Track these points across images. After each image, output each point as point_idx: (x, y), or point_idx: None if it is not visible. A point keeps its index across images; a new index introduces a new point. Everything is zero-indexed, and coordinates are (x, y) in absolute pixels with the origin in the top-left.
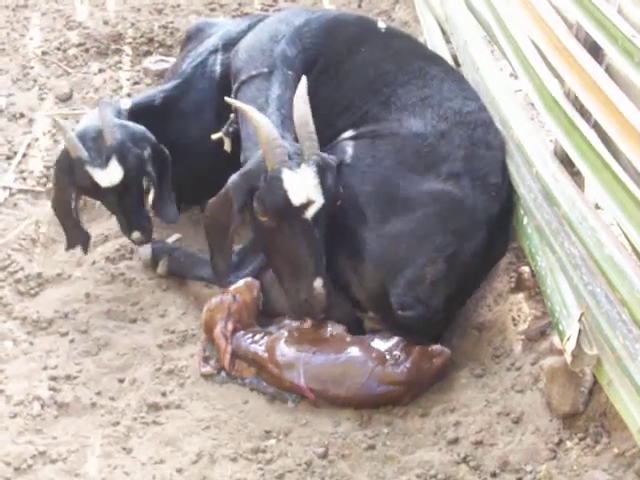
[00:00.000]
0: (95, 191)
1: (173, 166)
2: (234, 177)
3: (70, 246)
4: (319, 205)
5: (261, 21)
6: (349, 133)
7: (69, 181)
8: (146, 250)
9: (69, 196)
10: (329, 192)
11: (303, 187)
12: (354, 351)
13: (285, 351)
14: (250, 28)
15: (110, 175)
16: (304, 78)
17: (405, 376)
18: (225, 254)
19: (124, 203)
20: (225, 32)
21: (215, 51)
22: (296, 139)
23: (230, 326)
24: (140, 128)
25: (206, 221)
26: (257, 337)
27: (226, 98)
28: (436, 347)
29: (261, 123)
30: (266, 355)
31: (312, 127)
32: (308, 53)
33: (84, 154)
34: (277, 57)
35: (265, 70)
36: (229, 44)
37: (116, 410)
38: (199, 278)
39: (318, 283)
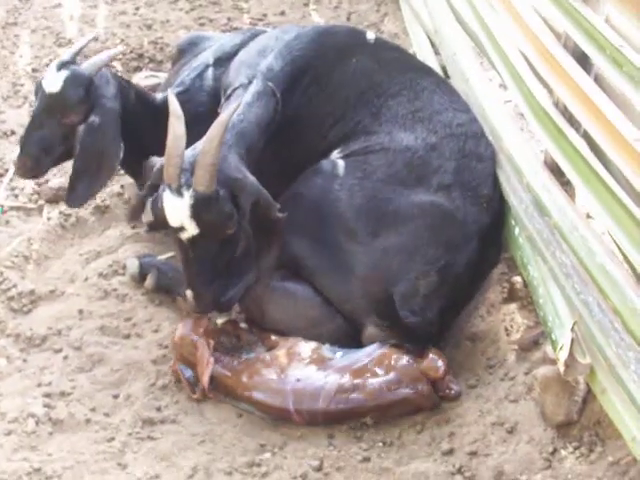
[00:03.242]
0: None
1: None
2: (157, 166)
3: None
4: (193, 233)
5: (255, 35)
6: (340, 151)
7: None
8: (133, 263)
9: None
10: (206, 226)
11: (178, 213)
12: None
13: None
14: (243, 42)
15: None
16: (231, 108)
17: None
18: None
19: None
20: (219, 46)
21: (209, 65)
22: (247, 152)
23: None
24: None
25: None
26: (235, 363)
27: (168, 92)
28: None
29: (172, 133)
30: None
31: (214, 160)
32: (296, 65)
33: None
34: (260, 70)
35: (245, 82)
36: (222, 58)
37: (111, 426)
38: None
39: (188, 293)
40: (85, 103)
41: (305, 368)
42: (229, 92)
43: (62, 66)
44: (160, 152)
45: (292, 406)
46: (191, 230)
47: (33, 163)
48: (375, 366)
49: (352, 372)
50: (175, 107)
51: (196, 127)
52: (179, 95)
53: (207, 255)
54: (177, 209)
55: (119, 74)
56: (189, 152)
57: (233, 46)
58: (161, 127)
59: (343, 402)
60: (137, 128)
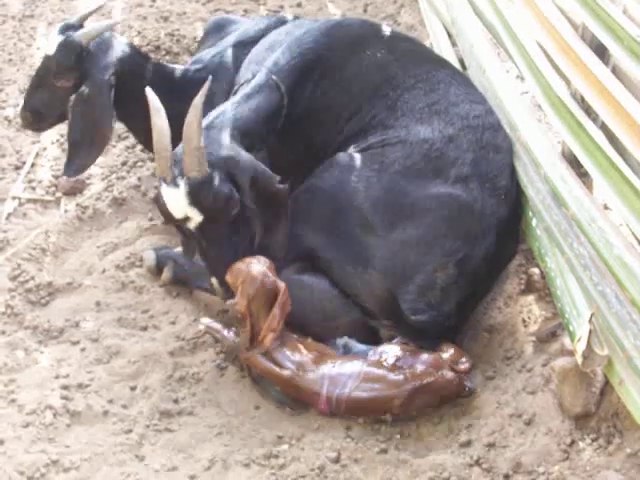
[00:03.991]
0: None
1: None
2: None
3: None
4: (198, 221)
5: (281, 21)
6: (357, 145)
7: None
8: (150, 255)
9: None
10: (208, 209)
11: (178, 204)
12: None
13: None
14: (268, 28)
15: None
16: (206, 84)
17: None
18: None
19: None
20: (243, 30)
21: (230, 46)
22: (245, 143)
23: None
24: None
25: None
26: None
27: (147, 89)
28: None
29: (156, 127)
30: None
31: (197, 143)
32: (306, 58)
33: None
34: (267, 64)
35: (250, 77)
36: (244, 42)
37: (128, 418)
38: (203, 288)
39: (214, 281)
40: (75, 70)
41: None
42: (235, 88)
43: (64, 30)
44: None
45: (325, 391)
46: (196, 218)
47: (34, 118)
48: (397, 359)
49: (375, 363)
50: (154, 101)
51: (209, 103)
52: (197, 72)
53: (220, 239)
54: (176, 200)
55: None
56: (176, 149)
57: (257, 31)
58: (181, 99)
59: (368, 390)
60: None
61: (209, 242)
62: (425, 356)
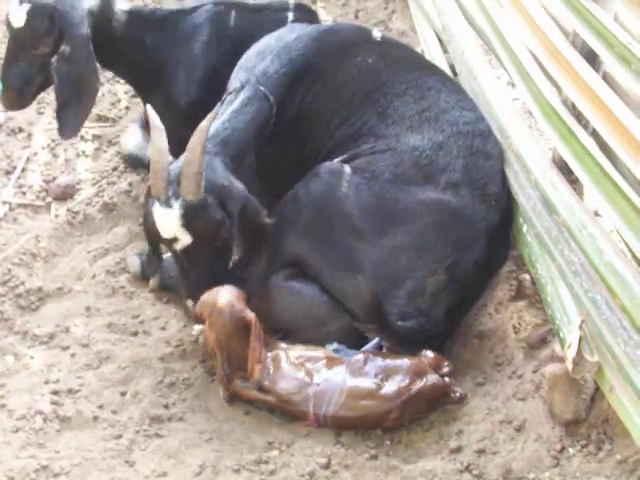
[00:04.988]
0: None
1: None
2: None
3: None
4: (186, 243)
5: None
6: (347, 155)
7: None
8: (134, 262)
9: None
10: (198, 234)
11: (169, 224)
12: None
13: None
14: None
15: None
16: (212, 111)
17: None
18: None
19: None
20: None
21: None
22: (233, 160)
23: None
24: None
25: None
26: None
27: (147, 107)
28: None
29: (154, 146)
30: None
31: (198, 168)
32: (296, 65)
33: None
34: (255, 74)
35: (238, 86)
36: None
37: (118, 423)
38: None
39: (189, 303)
40: (52, 33)
41: (322, 371)
42: (224, 97)
43: None
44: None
45: (312, 410)
46: (184, 240)
47: (17, 95)
48: (380, 371)
49: (359, 376)
50: (155, 120)
51: (187, 46)
52: (188, 11)
53: (202, 263)
54: (168, 220)
55: None
56: (174, 165)
57: None
58: (166, 39)
59: (357, 408)
60: (138, 46)
61: (192, 265)
62: (407, 362)
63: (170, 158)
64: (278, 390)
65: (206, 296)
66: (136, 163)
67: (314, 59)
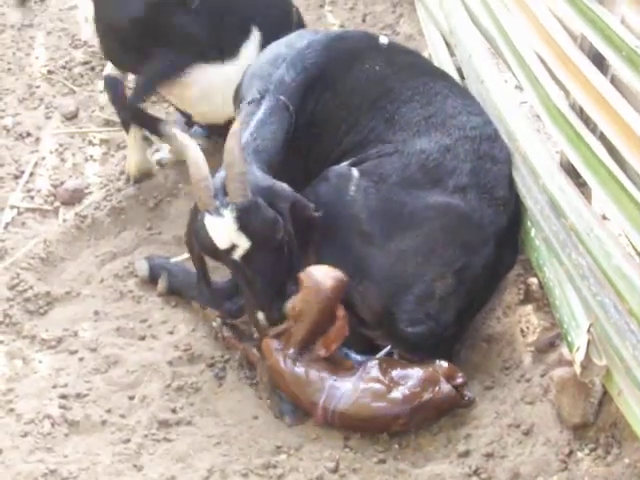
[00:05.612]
0: None
1: None
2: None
3: None
4: (245, 248)
5: None
6: (355, 160)
7: None
8: (142, 266)
9: None
10: (256, 235)
11: (224, 232)
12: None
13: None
14: None
15: None
16: (242, 111)
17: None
18: (202, 276)
19: None
20: None
21: None
22: (267, 169)
23: None
24: None
25: (185, 241)
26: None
27: (174, 130)
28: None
29: (191, 159)
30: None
31: (240, 168)
32: (309, 74)
33: None
34: (273, 82)
35: (257, 96)
36: None
37: (126, 427)
38: (196, 299)
39: (260, 317)
40: None
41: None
42: (241, 105)
43: None
44: None
45: (322, 403)
46: (243, 244)
47: None
48: (394, 375)
49: (372, 379)
50: (185, 138)
51: None
52: None
53: (265, 268)
54: (223, 229)
55: None
56: (215, 179)
57: None
58: None
59: (366, 408)
60: None
61: (255, 272)
62: (420, 371)
63: (208, 170)
64: (299, 373)
65: (315, 269)
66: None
67: (325, 67)
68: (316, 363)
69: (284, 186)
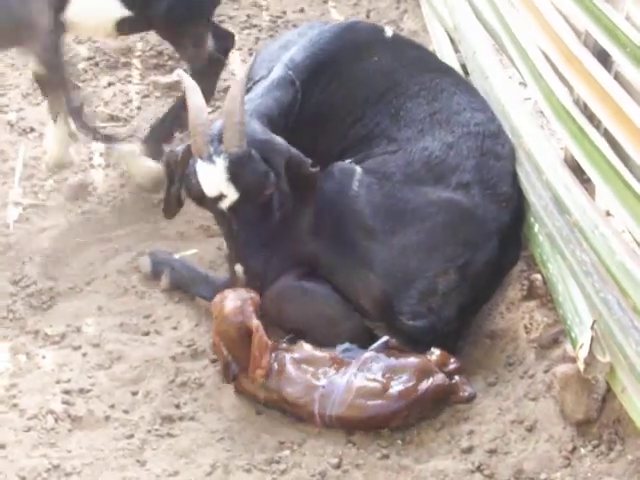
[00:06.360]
0: None
1: None
2: (177, 148)
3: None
4: (233, 199)
5: None
6: (359, 156)
7: None
8: (145, 262)
9: None
10: (244, 186)
11: (214, 180)
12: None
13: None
14: None
15: None
16: (251, 59)
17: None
18: (173, 197)
19: None
20: None
21: None
22: (267, 126)
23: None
24: None
25: (164, 166)
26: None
27: (178, 71)
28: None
29: (191, 104)
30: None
31: (239, 117)
32: (318, 59)
33: None
34: (283, 60)
35: (266, 73)
36: None
37: (130, 423)
38: (200, 295)
39: (238, 268)
40: None
41: (328, 373)
42: (250, 85)
43: None
44: None
45: (317, 411)
46: (231, 195)
47: None
48: (387, 371)
49: (366, 378)
50: (188, 80)
51: None
52: None
53: (251, 222)
54: (213, 176)
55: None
56: (213, 126)
57: None
58: None
59: (363, 407)
60: None
61: (240, 223)
62: (413, 360)
63: (208, 116)
64: (284, 393)
65: (217, 298)
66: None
67: (335, 56)
68: (301, 364)
69: (281, 141)
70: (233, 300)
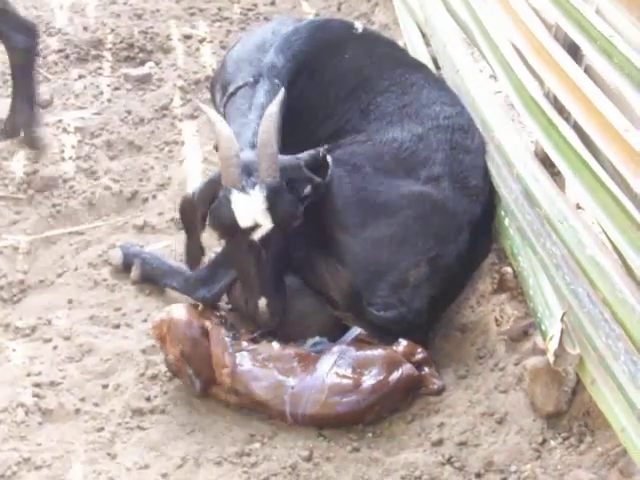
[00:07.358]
0: None
1: None
2: (200, 183)
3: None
4: (267, 229)
5: None
6: (328, 147)
7: None
8: (117, 254)
9: None
10: (280, 216)
11: (251, 210)
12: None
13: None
14: None
15: None
16: (280, 94)
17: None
18: (195, 245)
19: None
20: None
21: None
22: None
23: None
24: None
25: (180, 214)
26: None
27: (198, 104)
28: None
29: (222, 135)
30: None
31: (274, 148)
32: (297, 61)
33: None
34: (264, 66)
35: (251, 80)
36: None
37: (100, 416)
38: (171, 287)
39: (262, 303)
40: None
41: (295, 371)
42: (232, 90)
43: None
44: None
45: (289, 409)
46: (266, 225)
47: None
48: (356, 365)
49: (336, 374)
50: (212, 113)
51: None
52: None
53: (278, 255)
54: (249, 207)
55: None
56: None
57: None
58: None
59: (336, 405)
60: None
61: (269, 255)
62: (380, 352)
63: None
64: (253, 395)
65: (158, 317)
66: None
67: (311, 56)
68: (267, 362)
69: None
70: (179, 309)
